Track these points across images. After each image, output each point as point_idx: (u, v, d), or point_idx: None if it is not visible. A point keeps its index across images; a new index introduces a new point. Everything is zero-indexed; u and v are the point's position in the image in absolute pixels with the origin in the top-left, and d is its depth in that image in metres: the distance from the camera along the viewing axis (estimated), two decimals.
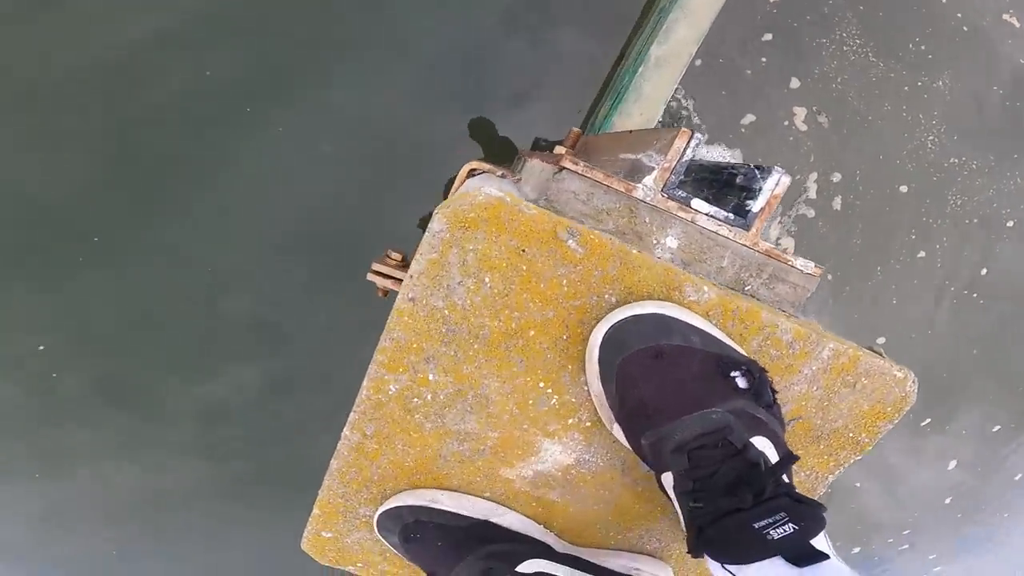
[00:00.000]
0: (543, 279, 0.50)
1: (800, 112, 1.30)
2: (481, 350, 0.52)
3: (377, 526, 0.62)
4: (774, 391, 0.53)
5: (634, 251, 0.50)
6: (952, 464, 1.85)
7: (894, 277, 1.49)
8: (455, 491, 0.60)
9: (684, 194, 0.60)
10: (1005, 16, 1.36)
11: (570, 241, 0.49)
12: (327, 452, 0.60)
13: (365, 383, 0.54)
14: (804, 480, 0.62)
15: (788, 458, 0.49)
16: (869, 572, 2.08)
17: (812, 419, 0.58)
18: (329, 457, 0.60)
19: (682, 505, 0.50)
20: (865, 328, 1.54)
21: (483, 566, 0.57)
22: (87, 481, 1.46)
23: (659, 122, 0.90)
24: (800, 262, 0.64)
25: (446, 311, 0.50)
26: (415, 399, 0.55)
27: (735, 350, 0.51)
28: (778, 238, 1.40)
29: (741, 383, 0.50)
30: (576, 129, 0.82)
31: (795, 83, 1.27)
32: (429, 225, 0.47)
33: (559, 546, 0.63)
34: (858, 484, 1.84)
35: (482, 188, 0.49)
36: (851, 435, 0.59)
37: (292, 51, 1.14)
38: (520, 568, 0.56)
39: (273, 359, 1.36)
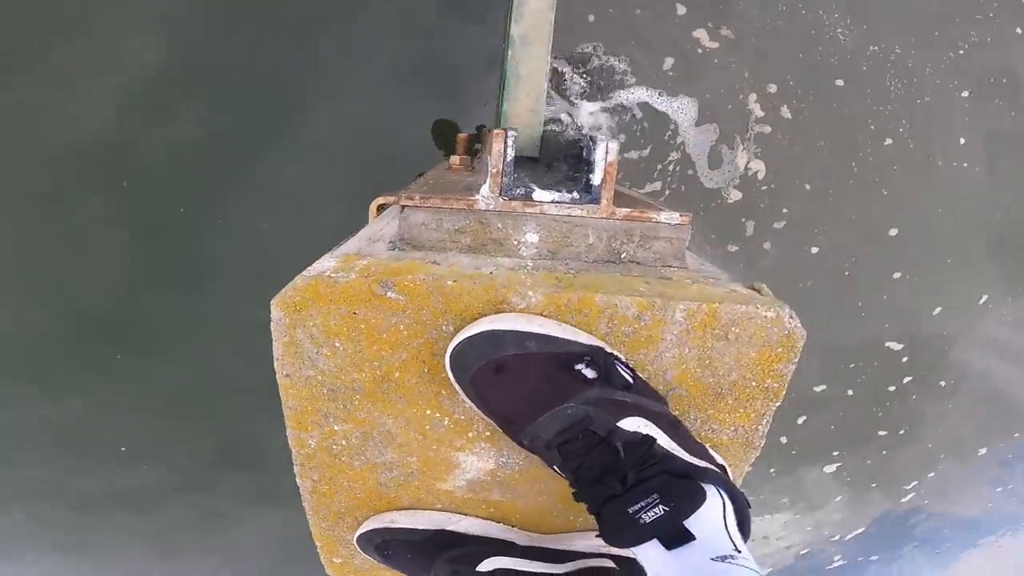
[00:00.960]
0: (382, 330, 0.54)
1: (701, 34, 1.23)
2: (363, 398, 0.58)
3: (360, 549, 0.71)
4: (632, 369, 0.54)
5: (449, 282, 0.52)
6: None
7: (873, 168, 1.44)
8: (409, 509, 0.68)
9: (523, 190, 0.61)
10: None
11: (389, 293, 0.53)
12: None
13: (290, 442, 0.63)
14: (735, 436, 0.62)
15: (651, 436, 0.50)
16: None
17: (702, 379, 0.57)
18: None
19: (577, 491, 0.53)
20: (872, 222, 1.51)
21: (449, 570, 0.64)
22: None
23: (548, 95, 0.87)
24: (664, 215, 0.62)
25: (319, 377, 0.57)
26: (334, 446, 0.62)
27: (575, 342, 0.52)
28: (747, 164, 1.32)
29: (589, 373, 0.51)
30: (463, 134, 0.83)
31: (681, 9, 1.22)
32: (271, 315, 0.54)
33: (523, 540, 0.69)
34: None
35: (307, 270, 0.54)
36: (754, 384, 0.58)
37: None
38: (480, 567, 0.63)
39: None
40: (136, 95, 1.23)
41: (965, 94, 1.45)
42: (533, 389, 0.51)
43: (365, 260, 0.56)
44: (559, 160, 0.81)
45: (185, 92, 1.25)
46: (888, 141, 1.44)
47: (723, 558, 0.44)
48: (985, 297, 1.68)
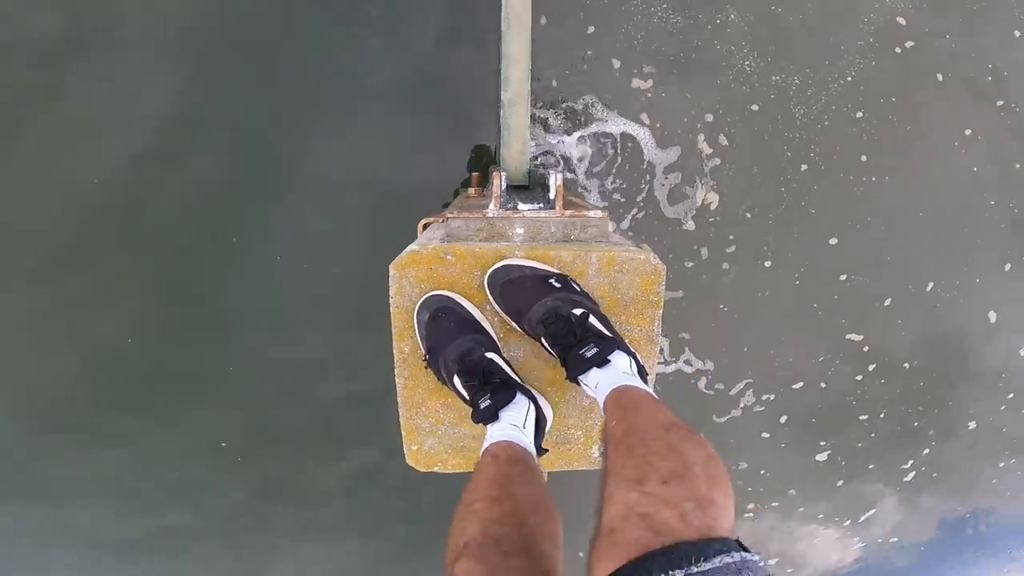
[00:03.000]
0: (445, 276, 1.05)
1: (640, 83, 1.61)
2: None
3: (419, 307, 1.02)
4: (578, 285, 1.03)
5: (476, 249, 1.03)
6: None
7: (798, 193, 1.74)
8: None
9: (513, 205, 1.13)
10: None
11: (447, 256, 1.04)
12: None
13: (394, 352, 1.12)
14: (641, 334, 1.10)
15: (588, 313, 0.97)
16: None
17: (614, 296, 1.07)
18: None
19: (554, 350, 0.98)
20: (812, 238, 1.80)
21: (470, 343, 0.98)
22: None
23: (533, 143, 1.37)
24: (592, 213, 1.14)
25: (410, 304, 1.07)
26: (418, 350, 1.12)
27: (548, 270, 1.01)
28: (703, 199, 1.71)
29: (556, 284, 0.99)
30: (476, 174, 1.36)
31: (616, 64, 1.58)
32: (390, 273, 1.04)
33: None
34: None
35: (406, 249, 1.05)
36: (643, 298, 1.08)
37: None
38: (487, 354, 0.98)
39: None
40: (163, 140, 1.41)
41: (859, 115, 1.71)
42: (529, 292, 0.99)
43: (433, 243, 1.07)
44: (538, 185, 1.33)
45: (220, 138, 1.45)
46: (803, 167, 1.73)
47: (627, 375, 0.90)
48: (928, 284, 1.95)
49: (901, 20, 1.70)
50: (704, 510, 0.52)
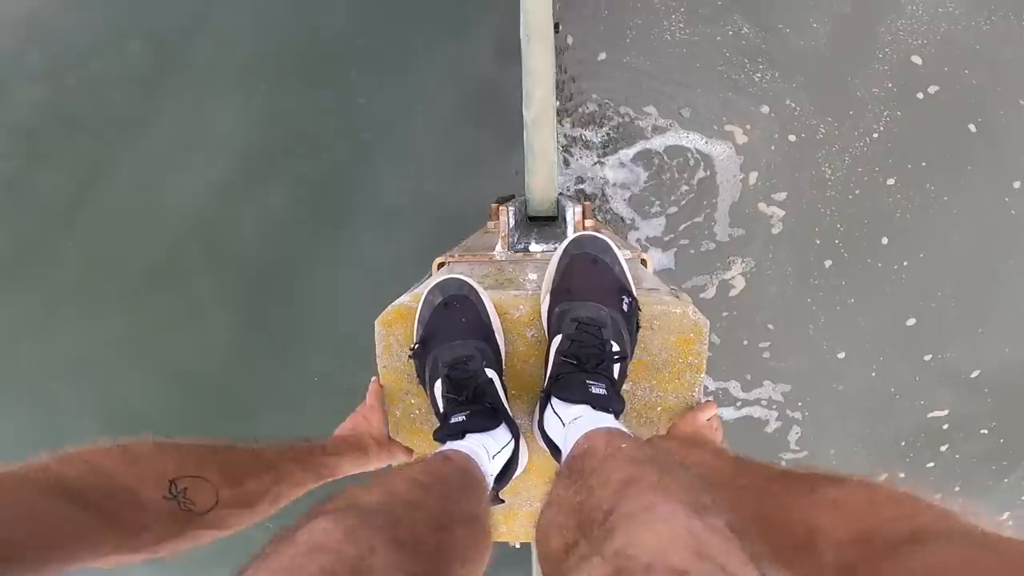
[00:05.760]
0: None
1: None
2: None
3: (433, 287, 0.85)
4: (638, 324, 0.82)
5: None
6: None
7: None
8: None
9: (523, 245, 0.96)
10: None
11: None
12: None
13: (387, 419, 0.98)
14: (677, 401, 0.89)
15: (624, 359, 0.77)
16: None
17: (642, 358, 0.87)
18: None
19: (555, 361, 0.78)
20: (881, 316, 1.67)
21: (472, 350, 0.81)
22: None
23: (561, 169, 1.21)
24: (619, 253, 0.94)
25: (402, 367, 0.92)
26: (411, 414, 0.97)
27: (632, 288, 0.82)
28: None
29: (624, 307, 0.80)
30: (494, 203, 1.20)
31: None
32: (375, 329, 0.91)
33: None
34: None
35: (393, 303, 0.91)
36: (680, 361, 0.86)
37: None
38: (487, 370, 0.81)
39: None
40: (225, 176, 1.65)
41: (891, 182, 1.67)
42: (599, 287, 0.80)
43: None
44: (563, 218, 1.15)
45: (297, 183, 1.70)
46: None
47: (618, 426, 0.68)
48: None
49: None
50: None
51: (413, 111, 1.68)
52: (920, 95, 1.70)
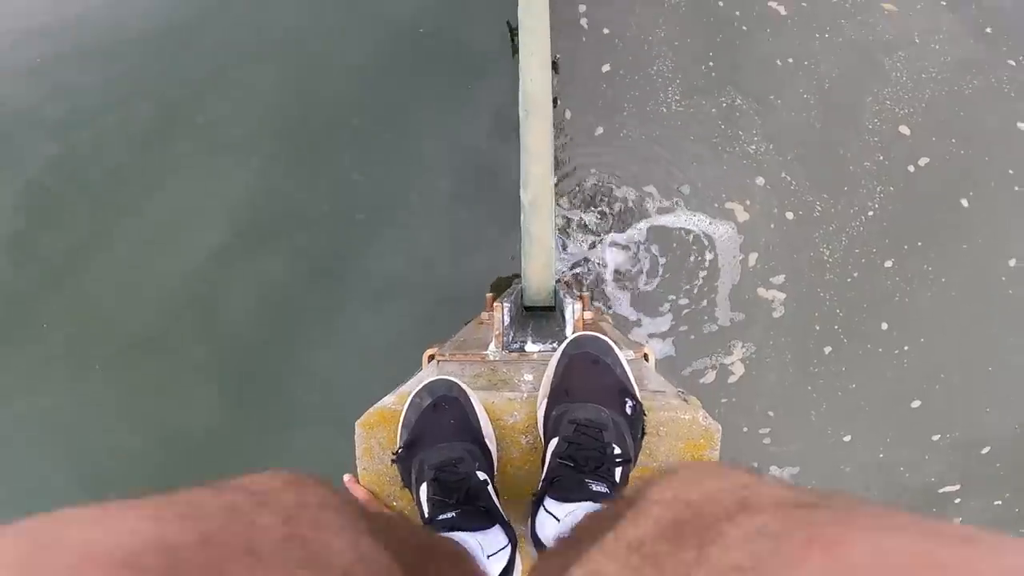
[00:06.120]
0: None
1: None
2: None
3: (420, 390, 0.80)
4: (643, 430, 0.76)
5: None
6: None
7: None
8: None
9: (518, 345, 0.90)
10: None
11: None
12: None
13: None
14: None
15: (628, 463, 0.70)
16: None
17: (646, 463, 0.79)
18: None
19: (551, 464, 0.71)
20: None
21: (461, 452, 0.75)
22: None
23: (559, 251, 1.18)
24: (622, 354, 0.88)
25: (384, 469, 0.83)
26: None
27: (635, 391, 0.76)
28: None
29: (628, 409, 0.74)
30: (489, 295, 1.15)
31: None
32: (355, 431, 0.83)
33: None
34: None
35: (376, 403, 0.84)
36: None
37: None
38: (478, 472, 0.75)
39: None
40: (221, 246, 1.64)
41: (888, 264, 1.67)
42: (599, 388, 0.75)
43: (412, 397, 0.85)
44: (561, 311, 1.10)
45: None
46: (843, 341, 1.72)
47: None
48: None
49: None
50: None
51: (410, 188, 1.68)
52: (911, 168, 1.71)
